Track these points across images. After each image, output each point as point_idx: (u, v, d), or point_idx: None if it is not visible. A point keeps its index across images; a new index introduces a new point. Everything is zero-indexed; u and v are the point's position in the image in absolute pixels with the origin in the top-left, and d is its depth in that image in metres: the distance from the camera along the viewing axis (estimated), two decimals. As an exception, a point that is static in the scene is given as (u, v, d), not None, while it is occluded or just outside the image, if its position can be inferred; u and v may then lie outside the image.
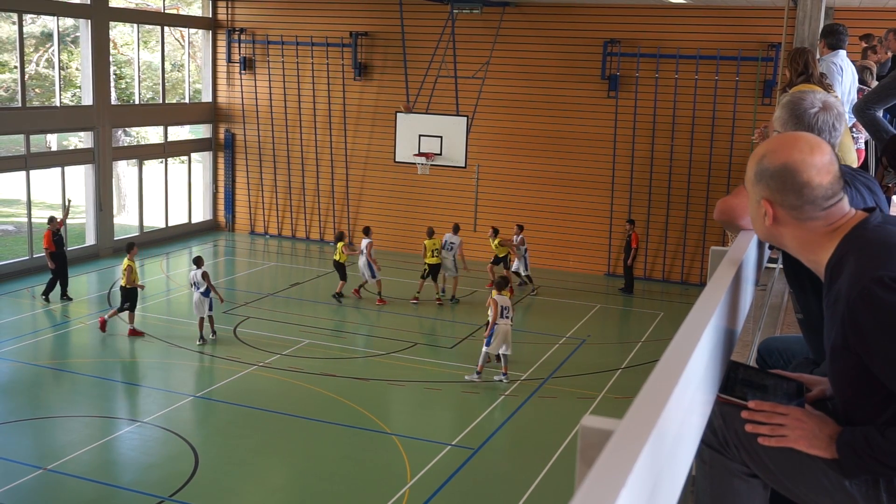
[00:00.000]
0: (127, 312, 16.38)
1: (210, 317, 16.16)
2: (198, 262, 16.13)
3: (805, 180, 2.10)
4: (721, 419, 2.27)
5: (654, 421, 1.21)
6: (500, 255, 20.13)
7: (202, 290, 15.91)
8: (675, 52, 21.31)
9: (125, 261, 16.40)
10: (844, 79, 6.89)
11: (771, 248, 3.21)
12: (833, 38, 7.15)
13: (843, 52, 7.14)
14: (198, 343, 15.97)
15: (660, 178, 22.03)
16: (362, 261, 18.89)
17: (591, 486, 1.03)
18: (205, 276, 15.94)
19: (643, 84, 21.82)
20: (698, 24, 21.17)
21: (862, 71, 8.65)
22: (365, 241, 18.82)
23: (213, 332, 16.27)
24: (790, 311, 5.08)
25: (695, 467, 2.39)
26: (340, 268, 19.26)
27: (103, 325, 16.45)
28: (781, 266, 4.06)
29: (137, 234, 24.37)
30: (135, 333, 16.42)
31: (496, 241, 19.95)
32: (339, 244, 19.27)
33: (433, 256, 19.17)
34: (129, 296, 16.33)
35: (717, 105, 21.27)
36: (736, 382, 2.21)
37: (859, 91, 7.94)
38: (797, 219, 2.13)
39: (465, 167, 20.62)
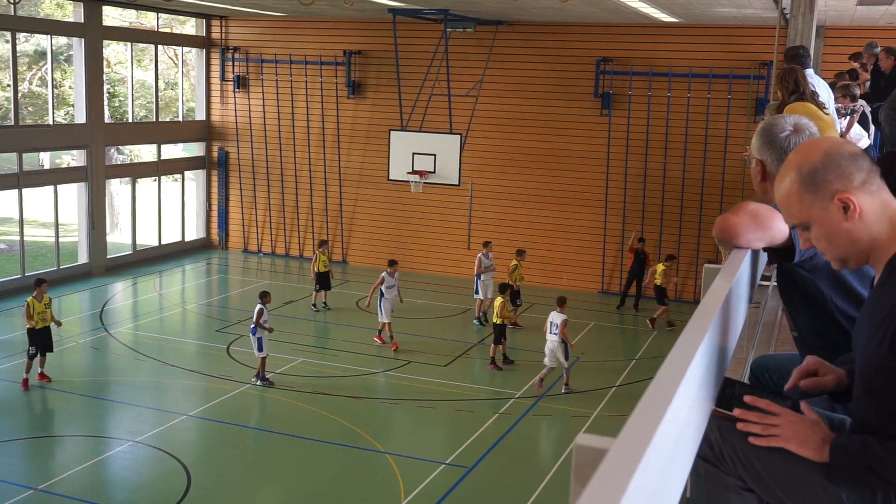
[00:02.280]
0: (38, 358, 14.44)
1: (262, 359, 14.89)
2: (261, 296, 15.19)
3: (851, 150, 2.10)
4: (717, 433, 2.27)
5: (648, 439, 1.21)
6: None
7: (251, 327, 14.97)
8: (668, 70, 21.43)
9: (29, 299, 14.55)
10: (822, 94, 7.03)
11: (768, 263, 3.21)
12: (798, 60, 7.38)
13: (810, 71, 7.35)
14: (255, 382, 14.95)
15: (653, 195, 22.09)
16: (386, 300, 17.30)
17: (586, 505, 1.03)
18: (259, 312, 14.74)
19: (636, 102, 21.92)
20: (690, 43, 21.31)
21: (852, 87, 8.77)
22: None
23: (257, 376, 15.02)
24: (784, 329, 5.09)
25: (690, 482, 2.38)
26: (323, 277, 19.68)
27: (26, 384, 14.44)
28: (775, 283, 4.07)
29: (130, 252, 24.34)
30: (43, 378, 14.61)
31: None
32: (322, 253, 19.70)
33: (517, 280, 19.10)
34: (37, 338, 14.43)
35: (710, 123, 21.37)
36: (732, 398, 2.21)
37: (844, 103, 8.18)
38: (871, 192, 2.07)
39: (458, 185, 20.65)
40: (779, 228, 2.54)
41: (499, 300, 16.22)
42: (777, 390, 2.47)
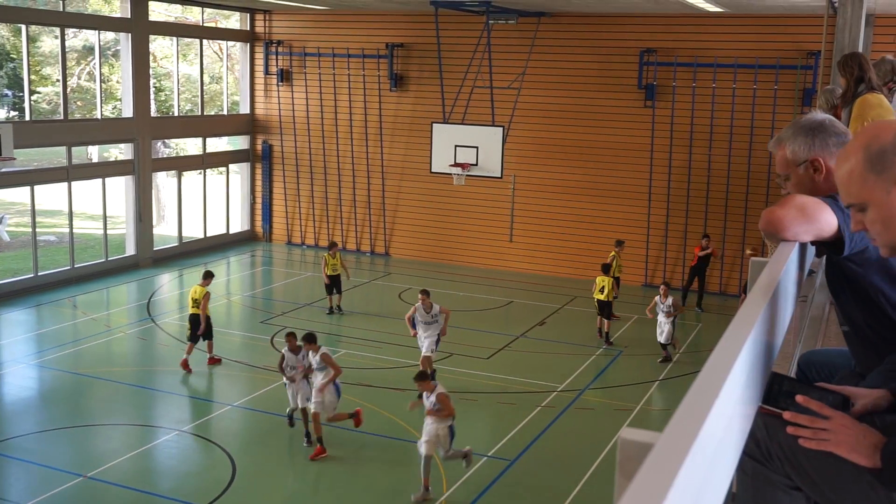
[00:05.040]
0: None
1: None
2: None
3: None
4: (764, 430, 2.24)
5: (694, 434, 1.20)
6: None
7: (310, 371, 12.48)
8: (713, 60, 21.16)
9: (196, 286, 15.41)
10: None
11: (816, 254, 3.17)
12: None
13: None
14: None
15: (697, 188, 21.86)
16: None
17: (632, 500, 1.03)
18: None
19: (680, 93, 21.70)
20: (736, 33, 21.02)
21: None
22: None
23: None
24: (832, 323, 5.01)
25: (736, 479, 2.36)
26: (335, 280, 18.77)
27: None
28: (823, 277, 4.01)
29: (176, 244, 24.67)
30: (213, 362, 15.51)
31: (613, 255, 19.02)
32: (330, 256, 18.71)
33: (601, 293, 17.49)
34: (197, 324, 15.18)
35: (756, 114, 21.08)
36: (779, 394, 2.18)
37: None
38: None
39: (500, 178, 20.62)
40: (827, 221, 2.49)
41: (609, 280, 17.45)
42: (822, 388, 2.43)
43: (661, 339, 16.60)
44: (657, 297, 16.62)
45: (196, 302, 15.30)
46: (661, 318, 16.49)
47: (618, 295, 18.53)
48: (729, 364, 1.52)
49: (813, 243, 2.66)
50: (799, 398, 2.10)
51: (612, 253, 19.20)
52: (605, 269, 17.86)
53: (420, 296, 14.61)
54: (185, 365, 15.22)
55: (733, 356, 1.56)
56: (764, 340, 2.04)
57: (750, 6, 19.03)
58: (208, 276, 15.78)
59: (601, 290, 17.40)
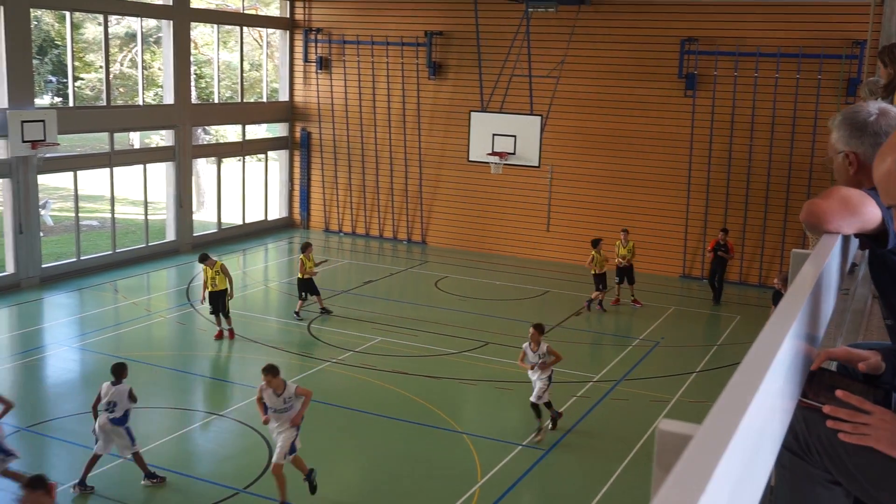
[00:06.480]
0: None
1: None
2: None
3: None
4: (804, 424, 2.22)
5: (734, 427, 1.19)
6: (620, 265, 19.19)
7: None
8: (755, 49, 20.87)
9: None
10: None
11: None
12: None
13: None
14: None
15: (738, 178, 21.61)
16: None
17: (670, 492, 1.02)
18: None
19: (721, 83, 21.44)
20: (779, 21, 20.70)
21: None
22: None
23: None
24: (874, 317, 4.93)
25: (774, 473, 2.34)
26: (307, 284, 17.70)
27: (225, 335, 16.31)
28: (865, 270, 3.94)
29: (216, 230, 24.91)
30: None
31: (627, 247, 19.18)
32: (305, 257, 17.59)
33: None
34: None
35: (798, 104, 20.77)
36: (821, 387, 2.15)
37: None
38: None
39: (538, 167, 20.53)
40: (871, 213, 2.45)
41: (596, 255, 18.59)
42: (867, 379, 2.40)
43: (532, 397, 12.38)
44: (525, 345, 12.46)
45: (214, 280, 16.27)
46: (531, 373, 12.43)
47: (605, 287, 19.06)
48: (770, 356, 1.50)
49: (856, 236, 2.62)
50: (839, 393, 2.07)
51: (592, 254, 18.92)
52: (594, 243, 18.88)
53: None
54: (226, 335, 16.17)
55: (775, 348, 1.54)
56: (805, 333, 2.01)
57: (794, -6, 18.73)
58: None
59: (594, 262, 18.67)
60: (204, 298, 16.53)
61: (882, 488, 2.13)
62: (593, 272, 18.85)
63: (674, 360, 16.04)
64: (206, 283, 16.46)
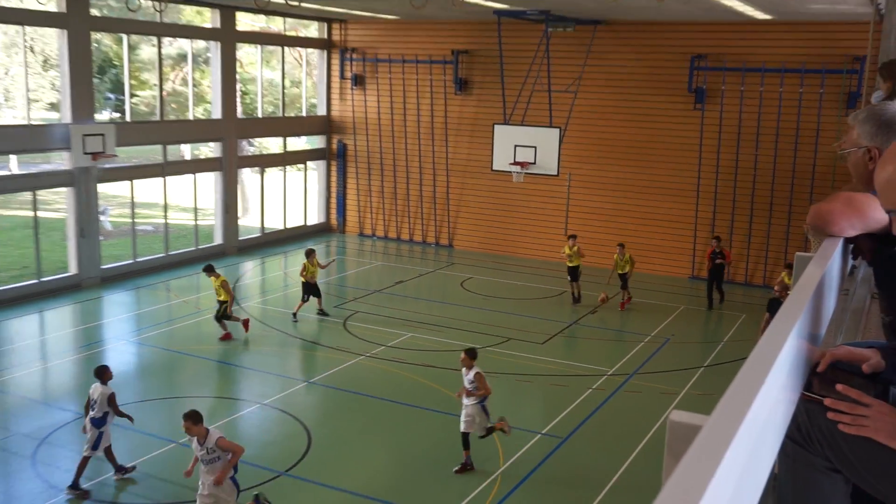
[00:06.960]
0: None
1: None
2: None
3: None
4: (805, 415, 2.20)
5: (741, 418, 1.19)
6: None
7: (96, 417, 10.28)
8: (761, 65, 20.69)
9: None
10: None
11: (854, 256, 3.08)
12: None
13: None
14: None
15: (744, 186, 21.42)
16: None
17: (681, 478, 1.02)
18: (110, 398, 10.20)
19: (728, 96, 21.26)
20: (783, 39, 20.50)
21: None
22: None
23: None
24: (872, 316, 4.88)
25: (777, 461, 2.32)
26: (311, 287, 17.39)
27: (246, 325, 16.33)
28: (865, 272, 3.90)
29: (259, 234, 25.06)
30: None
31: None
32: (309, 263, 17.36)
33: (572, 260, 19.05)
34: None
35: (801, 116, 20.55)
36: (823, 382, 2.13)
37: None
38: None
39: (557, 175, 20.48)
40: (876, 215, 2.42)
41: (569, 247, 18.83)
42: (866, 374, 2.37)
43: (462, 426, 10.91)
44: (464, 370, 10.99)
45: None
46: (464, 398, 10.89)
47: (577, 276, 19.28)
48: (775, 352, 1.49)
49: (860, 238, 2.58)
50: (839, 387, 2.05)
51: (565, 248, 19.25)
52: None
53: None
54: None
55: (779, 345, 1.54)
56: (808, 331, 2.00)
57: (797, 13, 18.55)
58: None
59: (569, 257, 18.96)
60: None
61: (881, 477, 2.11)
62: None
63: (683, 355, 15.93)
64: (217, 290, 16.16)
